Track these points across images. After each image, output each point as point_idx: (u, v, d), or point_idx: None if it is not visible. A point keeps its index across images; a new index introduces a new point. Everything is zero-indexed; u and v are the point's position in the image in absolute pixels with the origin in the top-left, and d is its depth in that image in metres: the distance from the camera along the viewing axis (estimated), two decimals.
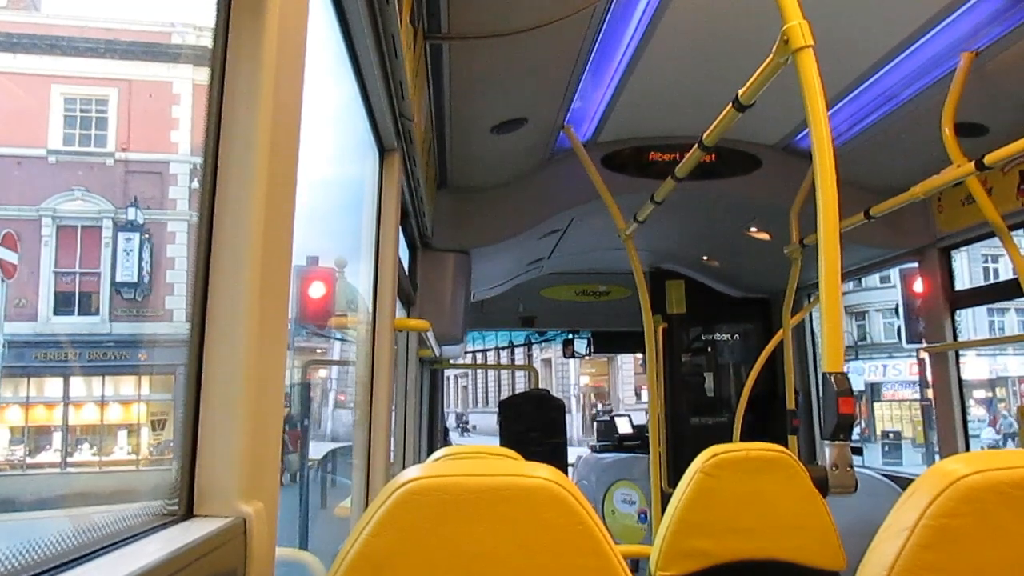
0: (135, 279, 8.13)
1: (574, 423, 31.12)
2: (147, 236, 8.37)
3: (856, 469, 1.88)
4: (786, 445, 2.81)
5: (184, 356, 1.05)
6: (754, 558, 2.24)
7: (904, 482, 4.50)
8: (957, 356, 4.43)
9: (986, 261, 23.91)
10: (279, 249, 1.15)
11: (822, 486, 1.85)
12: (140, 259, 8.16)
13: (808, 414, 5.99)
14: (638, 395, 33.46)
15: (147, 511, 1.01)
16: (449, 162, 4.20)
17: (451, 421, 42.92)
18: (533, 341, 14.84)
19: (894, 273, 26.65)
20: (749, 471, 2.25)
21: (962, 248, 4.52)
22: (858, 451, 7.43)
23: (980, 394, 26.42)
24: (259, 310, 1.06)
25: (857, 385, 28.34)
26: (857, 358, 29.03)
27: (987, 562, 0.99)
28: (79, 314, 7.91)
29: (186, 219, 8.62)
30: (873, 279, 28.68)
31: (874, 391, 29.09)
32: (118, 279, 8.04)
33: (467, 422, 38.34)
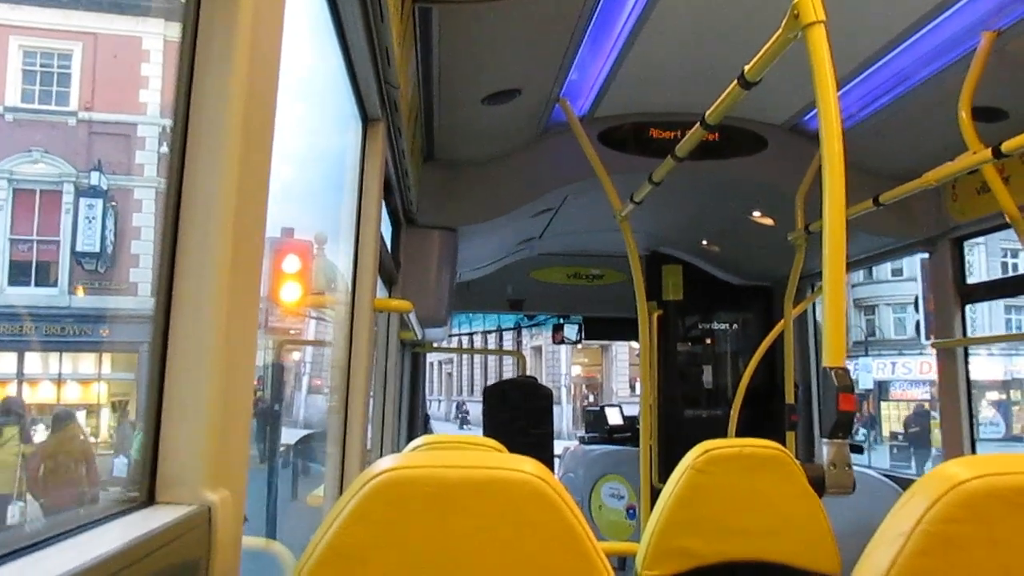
0: (97, 249, 8.01)
1: (564, 415, 31.11)
2: (111, 203, 8.24)
3: (855, 468, 1.90)
4: (783, 441, 2.84)
5: (149, 333, 1.05)
6: (745, 559, 2.26)
7: (904, 482, 4.55)
8: (966, 353, 4.47)
9: (1005, 256, 23.93)
10: (252, 221, 1.15)
11: (818, 486, 1.87)
12: (103, 227, 8.03)
13: (808, 409, 6.03)
14: (632, 387, 33.45)
15: (105, 496, 1.01)
16: (437, 134, 4.18)
17: (435, 410, 42.38)
18: (522, 326, 14.85)
19: (908, 265, 26.77)
20: (743, 468, 2.27)
21: (979, 242, 4.54)
22: (858, 449, 7.48)
23: (993, 395, 26.52)
24: (229, 286, 1.06)
25: (866, 383, 28.36)
26: (867, 354, 29.02)
27: (986, 571, 0.99)
28: (36, 285, 7.81)
29: (154, 186, 8.50)
30: (884, 271, 28.74)
31: (882, 390, 29.13)
32: (79, 248, 7.91)
33: (467, 412, 36.97)
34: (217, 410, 1.04)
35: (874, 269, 28.22)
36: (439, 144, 4.34)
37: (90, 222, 7.87)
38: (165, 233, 1.06)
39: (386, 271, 3.68)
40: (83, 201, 7.90)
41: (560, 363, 36.12)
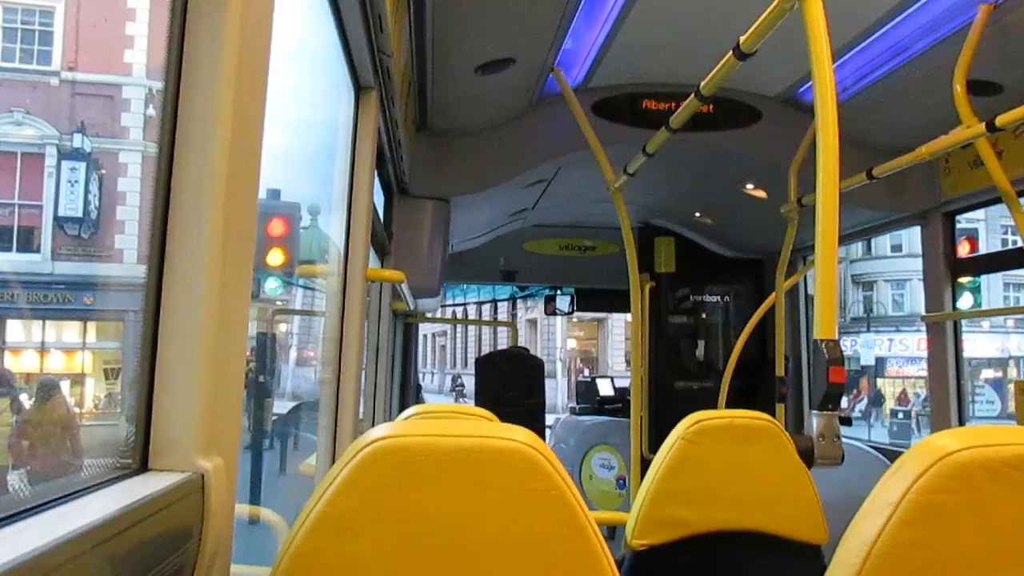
0: (80, 214, 7.78)
1: (559, 389, 30.93)
2: (95, 167, 8.01)
3: (843, 440, 1.92)
4: (773, 413, 2.86)
5: (136, 301, 1.05)
6: (734, 529, 2.29)
7: (893, 454, 4.60)
8: (956, 328, 4.49)
9: (1005, 232, 23.76)
10: (245, 189, 1.14)
11: (807, 457, 1.89)
12: (86, 192, 7.78)
13: (797, 381, 6.07)
14: (628, 362, 33.18)
15: (98, 464, 1.01)
16: (430, 103, 4.15)
17: (428, 383, 42.10)
18: (516, 297, 14.88)
19: (907, 241, 26.65)
20: (733, 439, 2.29)
21: (980, 218, 4.55)
22: (847, 422, 7.56)
23: (989, 373, 26.48)
24: (222, 252, 1.05)
25: (867, 359, 28.27)
26: (869, 330, 28.87)
27: (973, 540, 1.00)
28: (18, 251, 7.66)
29: (140, 150, 8.28)
30: (883, 247, 28.62)
31: (878, 366, 29.01)
32: (61, 213, 7.68)
33: (463, 385, 36.06)
34: (210, 377, 1.04)
35: (873, 245, 28.10)
36: (432, 114, 4.32)
37: (72, 186, 7.62)
38: (157, 200, 1.05)
39: (378, 241, 3.67)
40: (65, 164, 7.64)
41: (555, 336, 35.86)
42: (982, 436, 1.04)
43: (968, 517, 1.00)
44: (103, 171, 8.06)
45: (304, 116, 3.30)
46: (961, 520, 1.00)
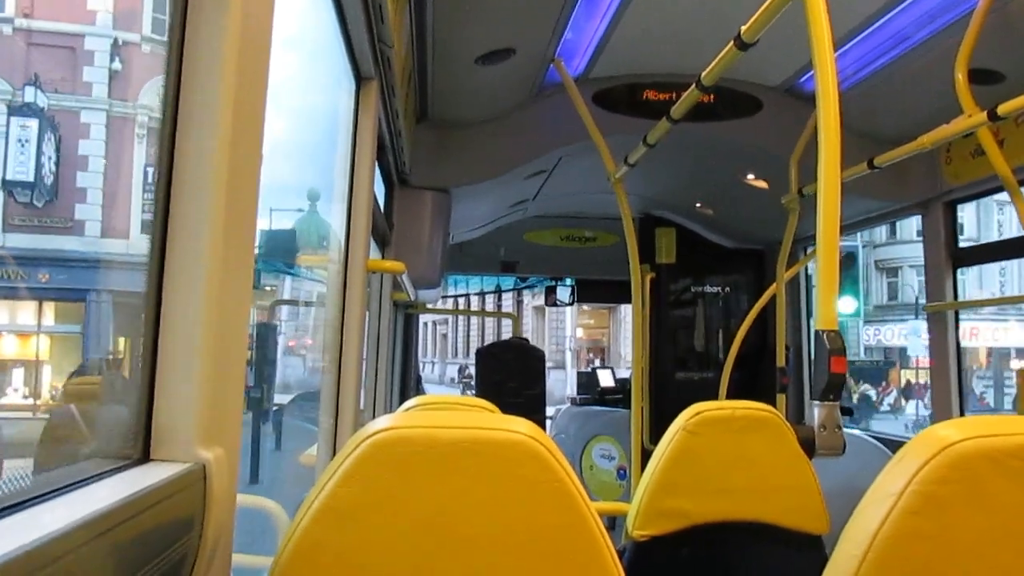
0: (32, 178, 7.22)
1: (569, 380, 30.37)
2: (51, 125, 7.44)
3: (845, 431, 1.91)
4: (774, 403, 2.86)
5: (99, 279, 1.04)
6: (735, 519, 2.29)
7: (894, 445, 4.60)
8: (957, 318, 4.49)
9: None
10: (246, 177, 1.14)
11: (808, 447, 1.89)
12: (39, 153, 7.25)
13: (798, 372, 6.07)
14: None
15: (100, 454, 1.01)
16: (430, 94, 4.14)
17: (429, 372, 41.90)
18: (520, 287, 14.88)
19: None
20: (734, 430, 2.28)
21: (1005, 200, 4.52)
22: (847, 412, 7.57)
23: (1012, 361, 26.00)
24: (223, 242, 1.05)
25: (915, 350, 27.37)
26: (917, 317, 28.06)
27: (976, 530, 1.00)
28: None
29: (104, 108, 7.77)
30: (909, 231, 28.05)
31: (902, 356, 28.23)
32: (9, 177, 7.09)
33: (471, 376, 34.75)
34: (211, 368, 1.04)
35: (898, 228, 27.52)
36: (433, 104, 4.31)
37: (23, 145, 7.06)
38: (158, 191, 1.05)
39: (379, 232, 3.67)
40: (15, 121, 7.09)
41: (565, 325, 35.17)
42: (984, 426, 1.04)
43: (970, 507, 1.00)
44: (61, 131, 7.45)
45: (305, 106, 3.30)
46: (963, 510, 1.00)
